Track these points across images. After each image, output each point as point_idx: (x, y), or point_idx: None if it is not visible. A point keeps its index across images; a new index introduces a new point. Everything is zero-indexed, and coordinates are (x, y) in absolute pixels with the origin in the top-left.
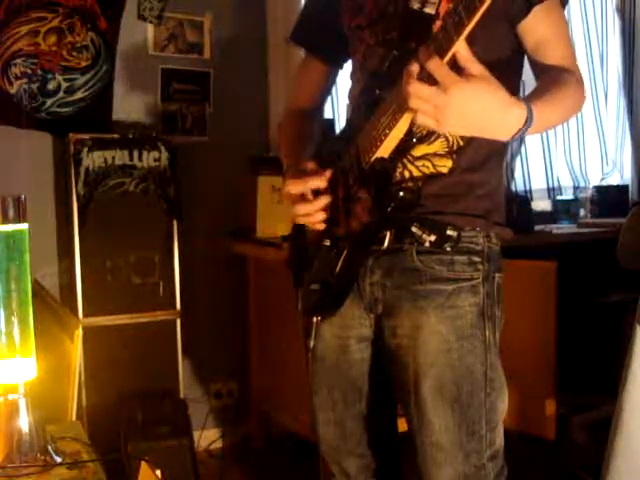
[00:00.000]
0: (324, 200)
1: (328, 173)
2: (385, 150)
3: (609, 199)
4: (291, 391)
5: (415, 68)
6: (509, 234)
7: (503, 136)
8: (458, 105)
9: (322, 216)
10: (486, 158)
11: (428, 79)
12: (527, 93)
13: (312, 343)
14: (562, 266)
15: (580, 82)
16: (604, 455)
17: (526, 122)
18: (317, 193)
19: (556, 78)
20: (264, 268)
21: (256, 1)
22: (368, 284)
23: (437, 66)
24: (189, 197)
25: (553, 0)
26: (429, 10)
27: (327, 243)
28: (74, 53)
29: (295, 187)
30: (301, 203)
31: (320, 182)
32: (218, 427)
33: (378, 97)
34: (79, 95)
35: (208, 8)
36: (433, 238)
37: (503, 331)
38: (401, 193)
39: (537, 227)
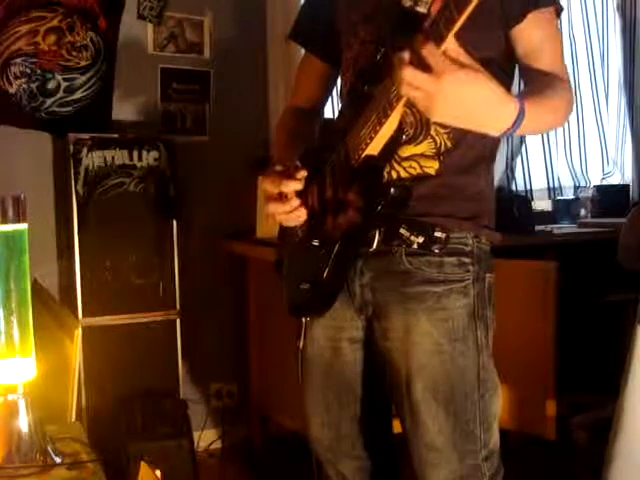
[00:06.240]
0: (297, 201)
1: (301, 174)
2: (375, 148)
3: (610, 199)
4: (291, 391)
5: (406, 55)
6: (498, 239)
7: (493, 130)
8: (450, 92)
9: (298, 216)
10: (474, 162)
11: (420, 67)
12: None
13: (301, 343)
14: (562, 266)
15: (570, 90)
16: (604, 455)
17: (517, 119)
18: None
19: (547, 83)
20: (264, 268)
21: (256, 1)
22: (358, 286)
23: (431, 52)
24: (189, 197)
25: (548, 8)
26: (421, 9)
27: (316, 243)
28: (74, 53)
29: (271, 187)
30: (273, 202)
31: (295, 184)
32: (218, 428)
33: (366, 93)
34: (79, 95)
35: (208, 8)
36: (421, 240)
37: (503, 331)
38: (392, 190)
39: (537, 227)
